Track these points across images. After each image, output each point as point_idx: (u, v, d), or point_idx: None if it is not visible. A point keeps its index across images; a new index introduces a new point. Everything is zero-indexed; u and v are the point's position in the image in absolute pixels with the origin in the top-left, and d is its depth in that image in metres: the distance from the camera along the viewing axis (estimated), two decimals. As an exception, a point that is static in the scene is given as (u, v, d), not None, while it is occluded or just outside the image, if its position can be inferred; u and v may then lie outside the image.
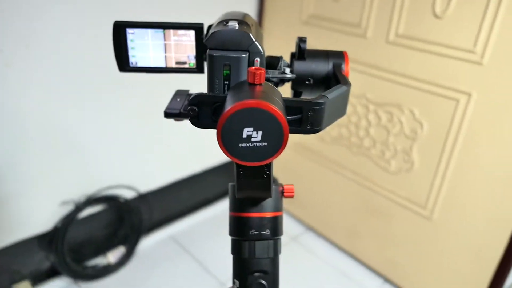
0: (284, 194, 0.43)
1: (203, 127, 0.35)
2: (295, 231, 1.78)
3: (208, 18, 0.51)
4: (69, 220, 1.36)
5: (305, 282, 1.51)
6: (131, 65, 0.45)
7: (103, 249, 1.53)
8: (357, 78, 1.40)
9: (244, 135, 0.31)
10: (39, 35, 1.12)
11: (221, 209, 1.90)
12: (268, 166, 0.36)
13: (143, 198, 1.58)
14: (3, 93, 1.11)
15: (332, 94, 0.36)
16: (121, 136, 1.43)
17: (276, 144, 0.32)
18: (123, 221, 1.55)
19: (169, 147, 1.61)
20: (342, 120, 1.49)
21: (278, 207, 0.42)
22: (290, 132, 0.33)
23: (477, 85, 1.13)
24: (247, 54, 0.38)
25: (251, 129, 0.31)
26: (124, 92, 1.37)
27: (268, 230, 0.40)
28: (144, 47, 0.43)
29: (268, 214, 0.41)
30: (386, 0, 1.26)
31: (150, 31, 0.43)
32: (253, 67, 0.33)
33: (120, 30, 0.43)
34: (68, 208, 1.38)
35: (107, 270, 1.48)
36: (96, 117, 1.33)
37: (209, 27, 0.44)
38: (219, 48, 0.37)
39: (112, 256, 1.50)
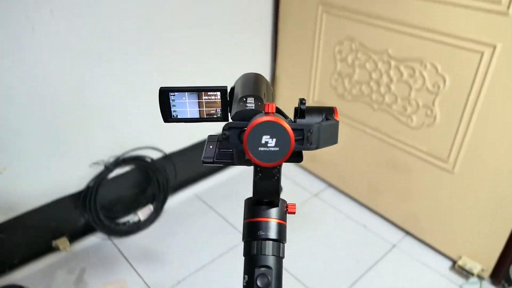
0: (288, 210, 0.51)
1: (232, 146, 0.47)
2: (316, 188, 1.83)
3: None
4: (99, 180, 1.43)
5: (327, 236, 1.57)
6: (172, 117, 0.58)
7: (133, 208, 1.61)
8: (379, 34, 1.38)
9: (263, 141, 0.42)
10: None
11: (242, 169, 1.95)
12: (278, 170, 0.46)
13: (168, 158, 1.64)
14: (33, 57, 1.14)
15: (326, 122, 0.49)
16: (146, 100, 1.46)
17: (285, 149, 0.43)
18: (150, 180, 1.61)
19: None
20: (363, 77, 1.49)
21: (282, 218, 0.50)
22: (295, 149, 0.44)
23: (503, 36, 1.11)
24: None
25: (268, 136, 0.42)
26: (147, 56, 1.39)
27: (273, 233, 0.48)
28: (183, 105, 0.57)
29: (274, 220, 0.49)
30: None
31: (187, 93, 0.56)
32: (267, 103, 0.44)
33: (164, 94, 0.56)
34: (99, 169, 1.44)
35: (138, 226, 1.56)
36: (122, 82, 1.37)
37: (232, 89, 0.58)
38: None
39: (142, 214, 1.57)
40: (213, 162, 0.56)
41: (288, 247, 0.51)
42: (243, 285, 0.48)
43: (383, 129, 1.49)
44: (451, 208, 1.38)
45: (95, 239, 1.53)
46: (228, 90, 0.57)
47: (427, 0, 1.23)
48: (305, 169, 1.94)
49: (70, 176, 1.39)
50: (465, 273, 1.36)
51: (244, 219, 0.51)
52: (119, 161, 1.46)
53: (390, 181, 1.55)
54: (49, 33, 1.15)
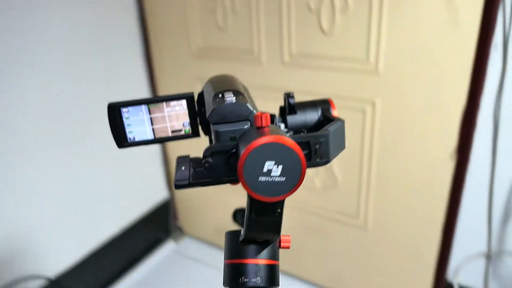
0: (281, 244, 0.42)
1: (219, 177, 0.37)
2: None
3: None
4: None
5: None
6: (129, 141, 0.47)
7: None
8: (259, 104, 1.29)
9: (265, 169, 0.32)
10: None
11: (153, 264, 1.73)
12: (281, 204, 0.36)
13: (55, 284, 1.35)
14: None
15: (333, 127, 0.39)
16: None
17: (294, 179, 0.33)
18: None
19: (73, 213, 1.37)
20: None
21: (274, 256, 0.41)
22: None
23: (378, 93, 1.11)
24: (249, 124, 0.41)
25: (272, 163, 0.32)
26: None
27: (263, 280, 0.39)
28: (140, 122, 0.46)
29: (264, 261, 0.40)
30: (273, 23, 1.14)
31: (143, 106, 0.45)
32: (259, 112, 0.34)
33: (115, 111, 0.45)
34: None
35: None
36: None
37: (200, 94, 0.48)
38: (222, 122, 0.40)
39: None
40: (189, 185, 0.43)
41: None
42: None
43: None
44: (372, 262, 1.37)
45: None
46: (196, 97, 0.48)
47: (300, 66, 1.19)
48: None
49: None
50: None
51: (225, 258, 0.42)
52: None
53: (308, 245, 1.49)
54: None
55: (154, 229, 1.77)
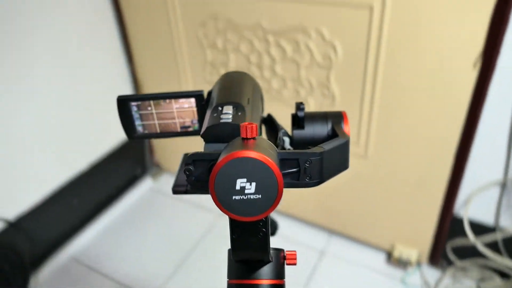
0: (286, 261, 0.39)
1: (200, 187, 0.34)
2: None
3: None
4: None
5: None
6: (138, 133, 0.48)
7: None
8: (243, 4, 1.08)
9: (238, 187, 0.31)
10: None
11: (129, 203, 1.57)
12: (265, 223, 0.34)
13: (16, 226, 1.18)
14: None
15: (329, 145, 0.36)
16: None
17: (270, 196, 0.31)
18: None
19: (38, 147, 1.19)
20: (240, 63, 1.20)
21: (279, 275, 0.38)
22: (289, 187, 0.33)
23: None
24: None
25: (244, 180, 0.30)
26: None
27: None
28: (149, 116, 0.47)
29: (267, 282, 0.37)
30: None
31: (152, 102, 0.46)
32: (246, 123, 0.32)
33: (124, 104, 0.46)
34: None
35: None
36: None
37: (209, 93, 0.46)
38: (216, 141, 0.38)
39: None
40: (185, 192, 0.44)
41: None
42: None
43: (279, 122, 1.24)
44: (372, 195, 1.21)
45: None
46: (206, 95, 0.47)
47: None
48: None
49: None
50: (403, 263, 1.23)
51: (228, 277, 0.39)
52: None
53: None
54: None
55: (129, 165, 1.60)
